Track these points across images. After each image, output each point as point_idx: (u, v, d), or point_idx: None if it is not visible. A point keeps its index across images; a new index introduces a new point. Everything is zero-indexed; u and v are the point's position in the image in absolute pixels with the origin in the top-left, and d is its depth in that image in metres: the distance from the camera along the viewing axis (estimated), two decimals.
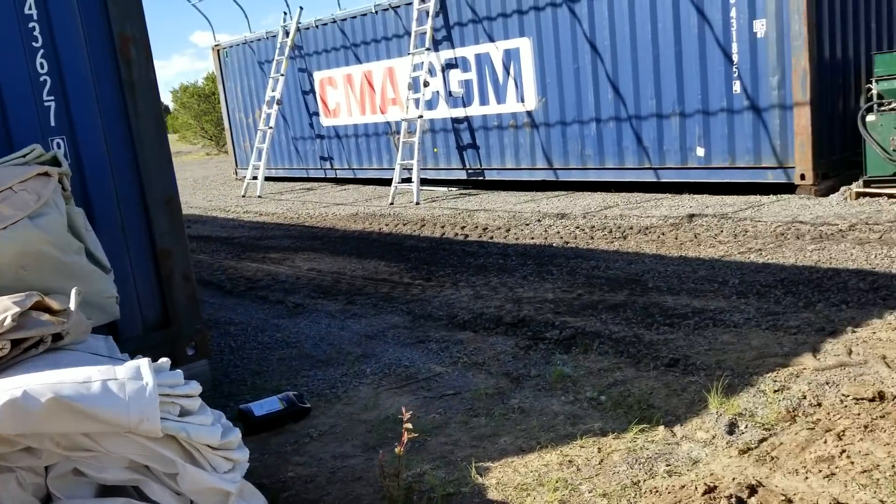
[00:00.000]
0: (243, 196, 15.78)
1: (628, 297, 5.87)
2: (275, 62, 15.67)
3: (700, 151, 9.79)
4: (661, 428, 3.62)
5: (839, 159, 9.13)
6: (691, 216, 8.50)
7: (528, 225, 9.27)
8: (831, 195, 8.74)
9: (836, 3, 8.97)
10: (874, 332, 4.51)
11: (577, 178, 11.26)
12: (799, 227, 7.43)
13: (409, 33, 12.89)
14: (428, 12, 12.35)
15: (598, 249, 7.64)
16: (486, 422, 3.94)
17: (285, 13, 15.83)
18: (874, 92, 8.55)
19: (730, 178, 9.59)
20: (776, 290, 5.57)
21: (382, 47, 13.82)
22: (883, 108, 8.38)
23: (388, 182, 12.78)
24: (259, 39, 16.90)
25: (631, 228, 8.31)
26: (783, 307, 5.18)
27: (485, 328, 5.49)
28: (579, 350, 4.83)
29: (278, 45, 15.66)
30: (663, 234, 7.88)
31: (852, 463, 3.10)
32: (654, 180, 10.39)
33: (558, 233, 8.61)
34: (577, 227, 8.73)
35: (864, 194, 8.37)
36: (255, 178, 15.59)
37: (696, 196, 9.94)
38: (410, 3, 12.83)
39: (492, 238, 8.83)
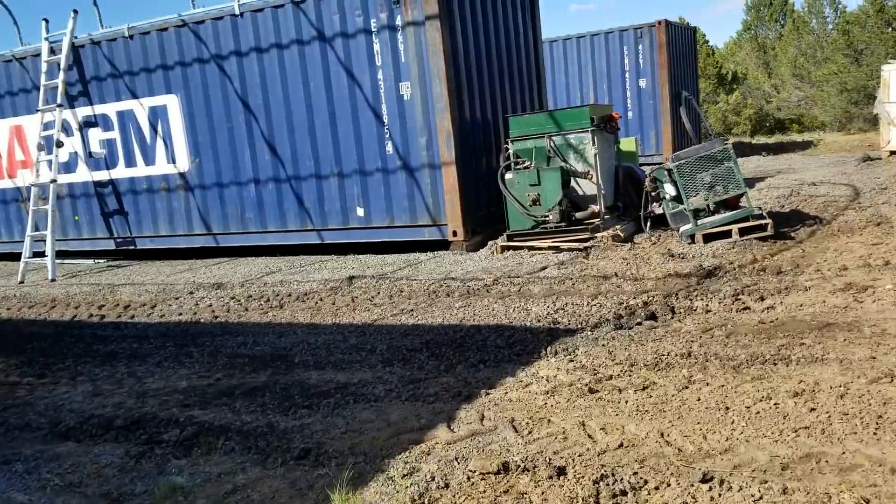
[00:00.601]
0: None
1: (271, 377, 5.30)
2: None
3: (360, 212, 9.69)
4: None
5: (486, 215, 9.56)
6: (351, 278, 8.25)
7: (177, 299, 8.35)
8: (481, 250, 9.08)
9: (472, 69, 9.48)
10: (506, 393, 4.43)
11: (239, 243, 10.58)
12: (450, 283, 7.50)
13: (38, 88, 11.32)
14: (59, 65, 10.96)
15: (249, 323, 7.00)
16: None
17: None
18: (511, 152, 9.10)
19: (390, 238, 9.58)
20: (421, 353, 5.38)
21: (7, 103, 12.00)
22: (519, 167, 8.93)
23: (20, 257, 10.96)
24: None
25: (289, 296, 7.81)
26: (426, 372, 4.97)
27: (92, 435, 4.54)
28: (202, 451, 4.13)
29: None
30: (321, 300, 7.49)
31: None
32: (319, 242, 10.07)
33: (210, 306, 7.83)
34: (233, 298, 8.03)
35: (508, 248, 8.80)
36: None
37: (360, 256, 9.79)
38: (38, 55, 11.31)
39: (133, 317, 7.78)
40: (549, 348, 5.15)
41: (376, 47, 9.19)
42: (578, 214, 8.76)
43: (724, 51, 34.27)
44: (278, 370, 5.43)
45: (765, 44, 32.13)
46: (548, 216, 8.65)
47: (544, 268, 7.78)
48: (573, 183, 9.03)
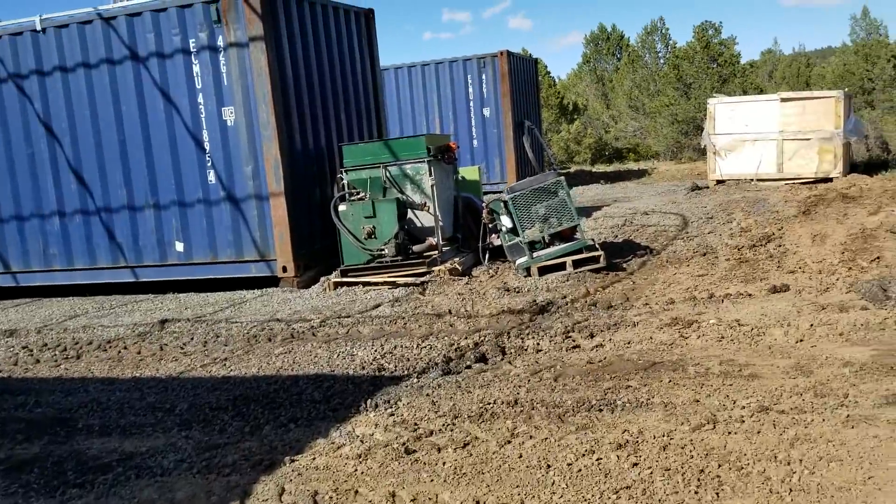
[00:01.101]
0: None
1: (46, 447, 4.53)
2: None
3: (179, 247, 8.89)
4: None
5: (321, 248, 9.03)
6: (164, 322, 7.46)
7: None
8: (313, 286, 8.53)
9: (304, 94, 8.97)
10: (314, 458, 3.93)
11: (43, 282, 9.46)
12: (273, 326, 6.91)
13: None
14: None
15: (36, 378, 6.10)
16: None
17: None
18: (345, 182, 8.65)
19: (213, 275, 8.85)
20: (226, 413, 4.78)
21: None
22: (353, 199, 8.49)
23: None
24: None
25: (90, 344, 6.93)
26: (227, 436, 4.38)
27: None
28: None
29: None
30: (125, 349, 6.68)
31: None
32: (134, 280, 9.16)
33: None
34: (24, 348, 7.04)
35: (342, 284, 8.31)
36: None
37: (180, 295, 8.98)
38: None
39: None
40: (369, 401, 4.70)
41: (196, 69, 8.51)
42: (416, 248, 8.42)
43: (566, 82, 35.65)
44: (56, 438, 4.66)
45: (603, 76, 33.69)
46: (383, 250, 8.24)
47: (378, 305, 7.35)
48: (410, 215, 8.70)
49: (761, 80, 30.91)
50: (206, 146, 8.62)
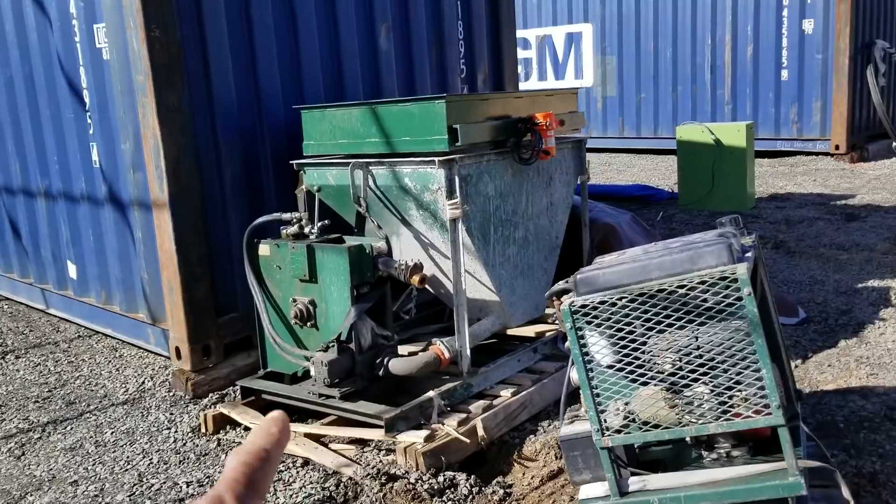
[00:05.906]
0: None
1: None
2: None
3: (72, 270, 5.13)
4: None
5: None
6: None
7: None
8: (205, 399, 4.19)
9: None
10: None
11: None
12: None
13: None
14: None
15: None
16: None
17: None
18: (303, 188, 4.07)
19: (111, 329, 4.96)
20: None
21: None
22: (289, 231, 3.87)
23: None
24: None
25: None
26: None
27: None
28: None
29: None
30: None
31: None
32: (44, 308, 5.68)
33: None
34: None
35: (231, 423, 3.82)
36: None
37: (94, 345, 5.28)
38: None
39: None
40: None
41: None
42: (394, 365, 3.56)
43: None
44: None
45: None
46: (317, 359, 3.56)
47: None
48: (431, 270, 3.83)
49: None
50: (86, 97, 4.57)
